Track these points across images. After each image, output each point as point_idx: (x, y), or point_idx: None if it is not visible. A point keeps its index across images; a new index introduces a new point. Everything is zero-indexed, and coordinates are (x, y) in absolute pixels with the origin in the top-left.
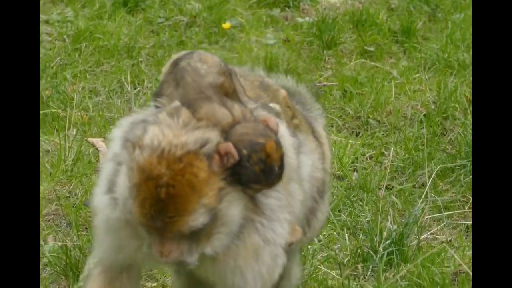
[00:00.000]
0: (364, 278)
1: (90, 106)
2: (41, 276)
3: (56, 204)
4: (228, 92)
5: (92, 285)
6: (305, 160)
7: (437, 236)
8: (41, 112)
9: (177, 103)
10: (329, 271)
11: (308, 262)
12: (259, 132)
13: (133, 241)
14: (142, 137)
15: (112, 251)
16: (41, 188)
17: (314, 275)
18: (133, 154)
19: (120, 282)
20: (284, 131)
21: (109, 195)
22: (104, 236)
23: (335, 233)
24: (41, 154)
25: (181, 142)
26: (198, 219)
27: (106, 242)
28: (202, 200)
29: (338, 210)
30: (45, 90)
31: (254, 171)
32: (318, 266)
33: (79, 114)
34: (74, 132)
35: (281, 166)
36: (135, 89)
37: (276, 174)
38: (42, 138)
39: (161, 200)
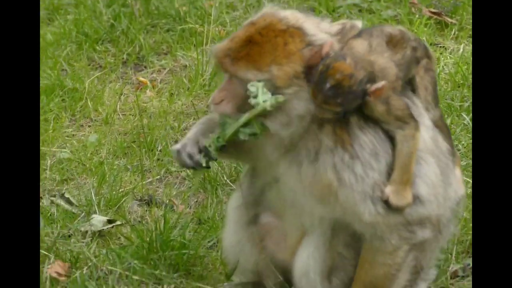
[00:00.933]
0: None
1: (228, 21)
2: (180, 189)
3: (193, 119)
4: (392, 43)
5: None
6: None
7: None
8: (179, 27)
9: (357, 24)
10: (468, 179)
11: None
12: (356, 60)
13: None
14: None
15: None
16: (179, 102)
17: None
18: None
19: None
20: (424, 116)
21: None
22: None
23: None
24: (178, 69)
25: (301, 23)
26: (260, 78)
27: None
28: (273, 66)
29: None
30: (182, 6)
31: (317, 70)
32: None
33: (217, 29)
34: None
35: (333, 89)
36: None
37: (323, 91)
38: (179, 53)
39: (245, 40)
